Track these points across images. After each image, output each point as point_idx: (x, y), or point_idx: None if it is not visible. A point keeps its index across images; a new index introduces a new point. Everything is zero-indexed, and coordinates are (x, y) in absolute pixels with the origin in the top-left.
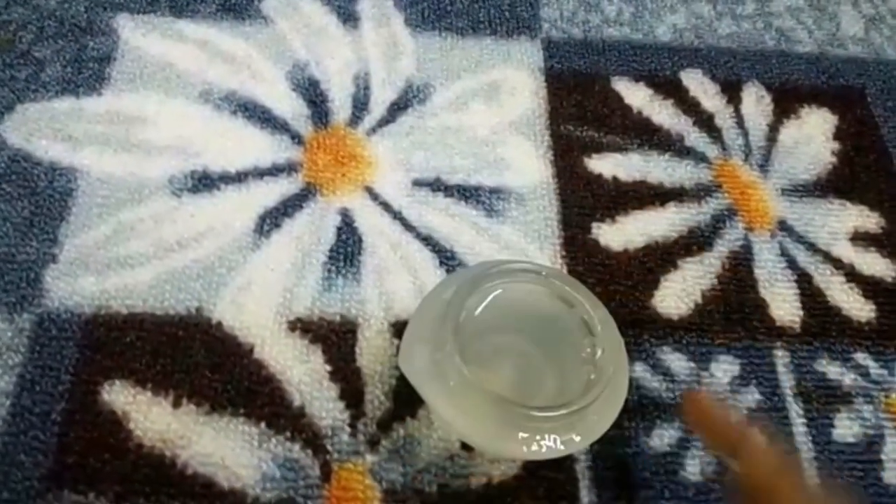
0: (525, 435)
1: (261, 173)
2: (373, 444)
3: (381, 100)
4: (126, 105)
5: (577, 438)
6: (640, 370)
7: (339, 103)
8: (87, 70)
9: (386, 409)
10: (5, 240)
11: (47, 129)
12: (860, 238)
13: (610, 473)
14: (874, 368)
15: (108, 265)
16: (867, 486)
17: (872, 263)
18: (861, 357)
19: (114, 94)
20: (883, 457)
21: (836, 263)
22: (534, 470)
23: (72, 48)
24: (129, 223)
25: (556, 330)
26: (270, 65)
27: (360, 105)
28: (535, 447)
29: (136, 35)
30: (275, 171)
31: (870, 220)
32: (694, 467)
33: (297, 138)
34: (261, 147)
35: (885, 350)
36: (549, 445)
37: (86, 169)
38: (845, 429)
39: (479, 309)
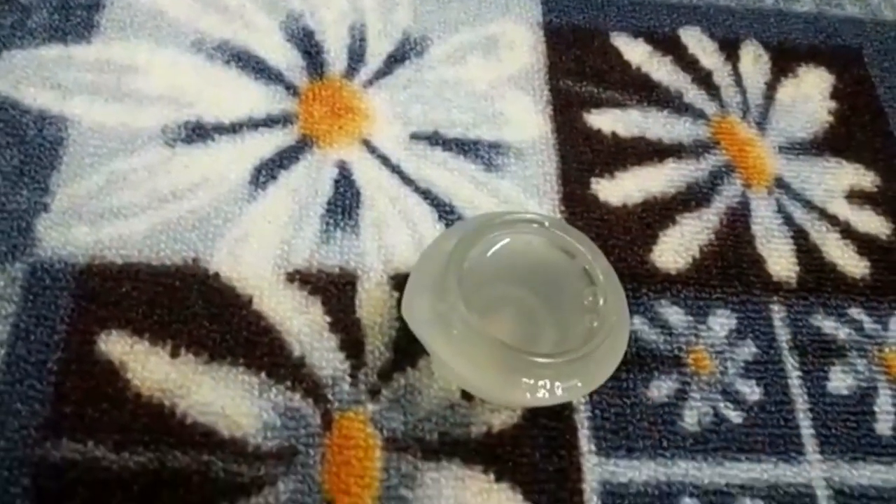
0: (528, 381)
1: (255, 124)
2: (373, 393)
3: (377, 51)
4: (116, 53)
5: (580, 385)
6: (639, 323)
7: (335, 54)
8: (75, 17)
9: (386, 359)
10: None
11: (35, 77)
12: (855, 196)
13: (608, 423)
14: (868, 323)
15: (101, 215)
16: (860, 436)
17: (867, 221)
18: (855, 312)
19: (103, 43)
20: (875, 409)
21: (832, 220)
22: (533, 419)
23: None
24: (122, 173)
25: (558, 280)
26: (264, 14)
27: (357, 57)
28: (538, 393)
29: None
30: (270, 122)
31: (865, 179)
32: (692, 418)
33: (292, 89)
34: (255, 98)
35: (879, 305)
36: (551, 391)
37: (76, 118)
38: (839, 381)
39: (482, 259)
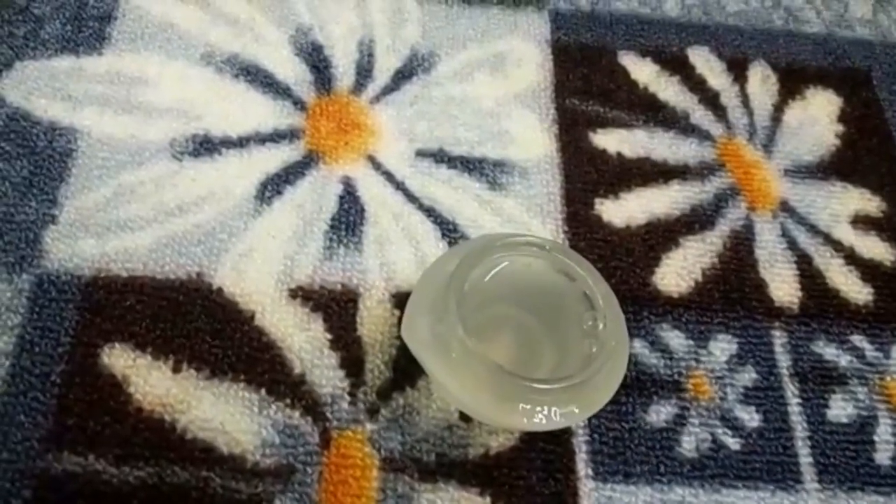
0: (526, 406)
1: (262, 139)
2: (372, 412)
3: (385, 67)
4: (127, 65)
5: (577, 411)
6: (639, 346)
7: (343, 70)
8: (88, 29)
9: (386, 378)
10: (4, 199)
11: (47, 88)
12: (860, 221)
13: (606, 447)
14: (870, 351)
15: (108, 228)
16: (859, 466)
17: (872, 247)
18: (857, 339)
19: (114, 54)
20: (875, 438)
21: (836, 246)
22: (531, 442)
23: (71, 5)
24: (129, 186)
25: (558, 303)
26: (273, 28)
27: (364, 72)
28: (535, 419)
29: None
30: (276, 136)
31: (871, 204)
32: (690, 444)
33: (299, 104)
34: (263, 112)
35: (881, 333)
36: (549, 417)
37: (86, 129)
38: (839, 409)
39: (483, 281)
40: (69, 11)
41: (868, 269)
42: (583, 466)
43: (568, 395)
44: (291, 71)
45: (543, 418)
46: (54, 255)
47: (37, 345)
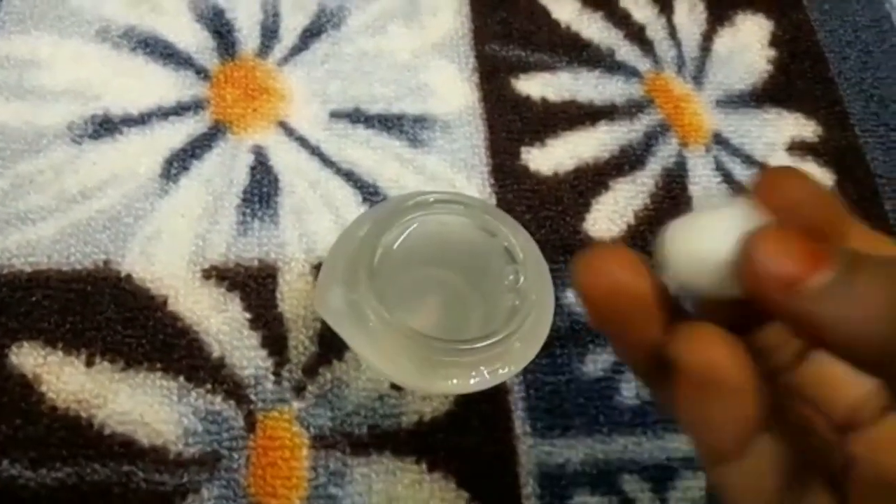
0: (450, 370)
1: (165, 113)
2: (298, 390)
3: (291, 26)
4: (17, 48)
5: (505, 369)
6: (572, 296)
7: (247, 32)
8: None
9: (311, 353)
10: None
11: None
12: (797, 147)
13: (543, 402)
14: None
15: (7, 222)
16: None
17: (810, 172)
18: None
19: (2, 38)
20: None
21: None
22: (466, 404)
23: None
24: (27, 175)
25: (479, 259)
26: None
27: (270, 33)
28: (461, 381)
29: None
30: (180, 109)
31: (806, 129)
32: (629, 391)
33: (202, 73)
34: (164, 85)
35: None
36: (476, 378)
37: None
38: None
39: (397, 244)
40: None
41: None
42: (520, 424)
43: (492, 354)
44: (192, 38)
45: (470, 380)
46: None
47: None
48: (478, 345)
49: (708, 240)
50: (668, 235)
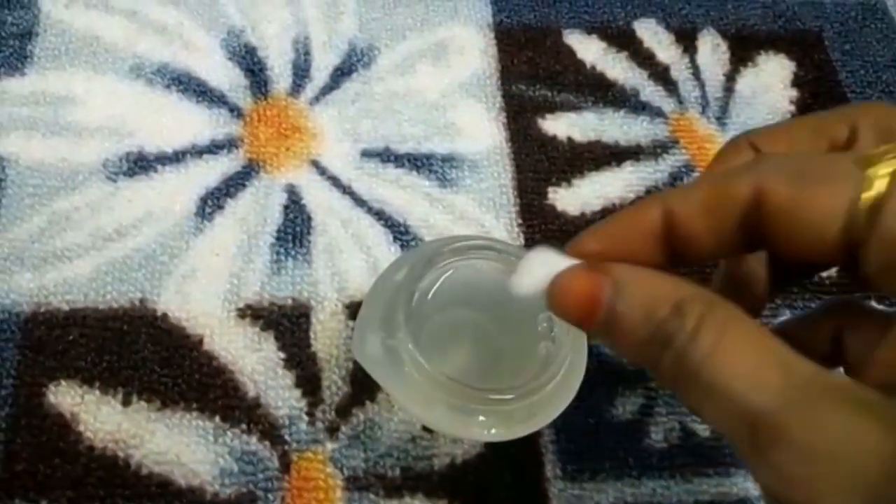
0: (484, 418)
1: (199, 151)
2: (332, 431)
3: (322, 65)
4: (52, 84)
5: (538, 418)
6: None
7: (279, 71)
8: (7, 48)
9: (344, 394)
10: None
11: None
12: None
13: (573, 445)
14: None
15: (44, 259)
16: None
17: None
18: None
19: (38, 73)
20: None
21: None
22: (497, 447)
23: None
24: (63, 213)
25: (512, 305)
26: (203, 33)
27: (301, 72)
28: (497, 430)
29: (58, 7)
30: (214, 148)
31: None
32: (658, 434)
33: (235, 111)
34: (198, 123)
35: None
36: (508, 428)
37: (13, 157)
38: None
39: (433, 290)
40: None
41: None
42: (551, 468)
43: (527, 403)
44: (225, 77)
45: (503, 428)
46: None
47: None
48: (513, 395)
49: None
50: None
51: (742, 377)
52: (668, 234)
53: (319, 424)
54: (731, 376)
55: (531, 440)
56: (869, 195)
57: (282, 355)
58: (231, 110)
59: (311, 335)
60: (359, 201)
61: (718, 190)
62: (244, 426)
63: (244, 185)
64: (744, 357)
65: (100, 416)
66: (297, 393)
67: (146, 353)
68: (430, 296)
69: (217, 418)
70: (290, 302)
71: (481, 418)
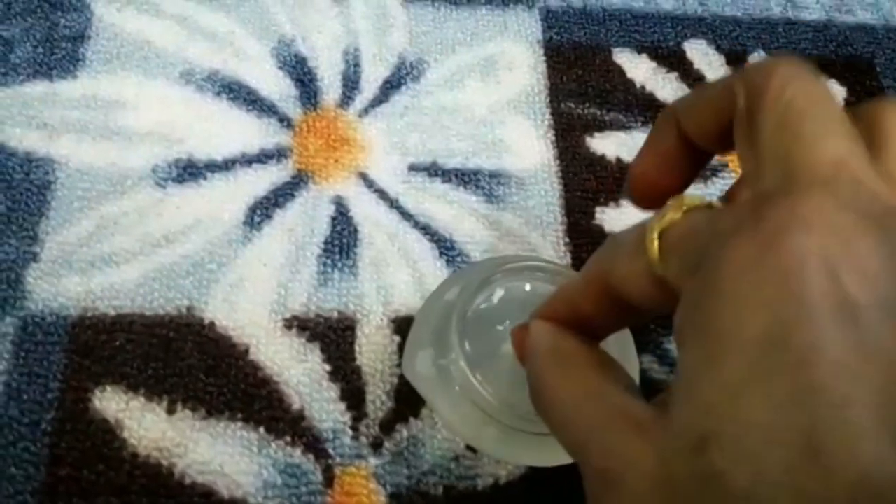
0: (531, 443)
1: (249, 160)
2: (376, 446)
3: (372, 78)
4: (103, 88)
5: None
6: (647, 361)
7: (329, 82)
8: (60, 50)
9: (388, 409)
10: None
11: (20, 117)
12: None
13: None
14: None
15: (92, 263)
16: None
17: None
18: None
19: (89, 77)
20: None
21: None
22: (541, 470)
23: (42, 26)
24: (112, 217)
25: None
26: (254, 41)
27: (351, 84)
28: (544, 455)
29: (111, 10)
30: (263, 157)
31: None
32: None
33: (285, 121)
34: (248, 131)
35: None
36: (557, 454)
37: (64, 159)
38: None
39: (485, 310)
40: (40, 33)
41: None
42: None
43: None
44: (275, 86)
45: (551, 455)
46: (38, 296)
47: (24, 392)
48: None
49: None
50: None
51: (570, 407)
52: None
53: (363, 439)
54: (561, 409)
55: (576, 466)
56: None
57: (327, 368)
58: (281, 120)
59: (357, 348)
60: (405, 215)
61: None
62: (288, 438)
63: (293, 196)
64: (569, 392)
65: (144, 423)
66: (342, 406)
67: (192, 360)
68: (482, 316)
69: (261, 429)
70: (335, 314)
71: (529, 443)
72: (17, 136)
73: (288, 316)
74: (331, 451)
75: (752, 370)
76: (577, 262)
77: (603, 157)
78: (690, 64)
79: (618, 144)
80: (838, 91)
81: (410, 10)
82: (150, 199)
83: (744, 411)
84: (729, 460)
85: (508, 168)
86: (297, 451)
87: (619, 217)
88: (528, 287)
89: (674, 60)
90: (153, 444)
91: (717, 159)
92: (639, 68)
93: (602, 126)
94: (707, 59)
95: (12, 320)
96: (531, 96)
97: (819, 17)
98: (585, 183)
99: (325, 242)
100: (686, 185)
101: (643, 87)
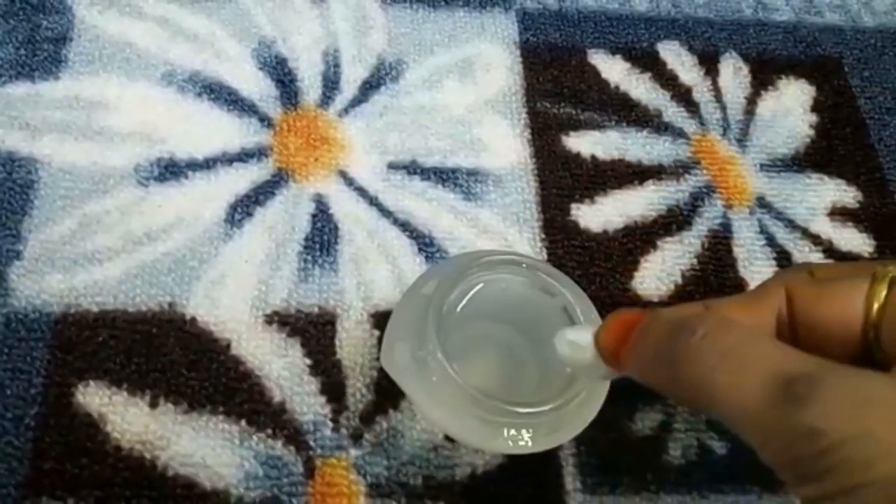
0: (509, 431)
1: (230, 159)
2: (356, 438)
3: (352, 78)
4: (85, 89)
5: (562, 432)
6: None
7: (309, 82)
8: (42, 52)
9: (368, 401)
10: None
11: (3, 117)
12: (837, 213)
13: (593, 459)
14: None
15: (75, 261)
16: None
17: (850, 238)
18: None
19: (72, 78)
20: None
21: (815, 239)
22: (518, 459)
23: (24, 28)
24: (94, 216)
25: (539, 320)
26: (235, 43)
27: (331, 84)
28: (521, 443)
29: (93, 12)
30: (244, 156)
31: (847, 195)
32: (676, 450)
33: (266, 121)
34: (229, 131)
35: None
36: (534, 441)
37: (46, 159)
38: None
39: (462, 303)
40: (22, 34)
41: (847, 262)
42: (571, 480)
43: (553, 417)
44: (256, 86)
45: (529, 441)
46: (21, 293)
47: (8, 387)
48: (540, 408)
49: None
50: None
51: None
52: None
53: (343, 431)
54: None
55: (552, 453)
56: (881, 289)
57: (307, 362)
58: (261, 120)
59: (337, 343)
60: (385, 212)
61: (754, 292)
62: (269, 431)
63: (273, 194)
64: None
65: (127, 417)
66: (322, 399)
67: (174, 355)
68: (458, 309)
69: (243, 422)
70: (316, 310)
71: (507, 431)
72: (0, 136)
73: (269, 311)
74: (311, 442)
75: None
76: (553, 257)
77: (578, 155)
78: (664, 64)
79: (592, 143)
80: (808, 90)
81: (389, 12)
82: (133, 197)
83: None
84: None
85: (486, 166)
86: (279, 444)
87: (593, 213)
88: (504, 281)
89: (647, 61)
90: (136, 438)
91: (688, 156)
92: (613, 69)
93: (577, 125)
94: (680, 60)
95: None
96: (508, 96)
97: (789, 19)
98: (561, 180)
99: (306, 239)
100: None
101: (617, 88)
